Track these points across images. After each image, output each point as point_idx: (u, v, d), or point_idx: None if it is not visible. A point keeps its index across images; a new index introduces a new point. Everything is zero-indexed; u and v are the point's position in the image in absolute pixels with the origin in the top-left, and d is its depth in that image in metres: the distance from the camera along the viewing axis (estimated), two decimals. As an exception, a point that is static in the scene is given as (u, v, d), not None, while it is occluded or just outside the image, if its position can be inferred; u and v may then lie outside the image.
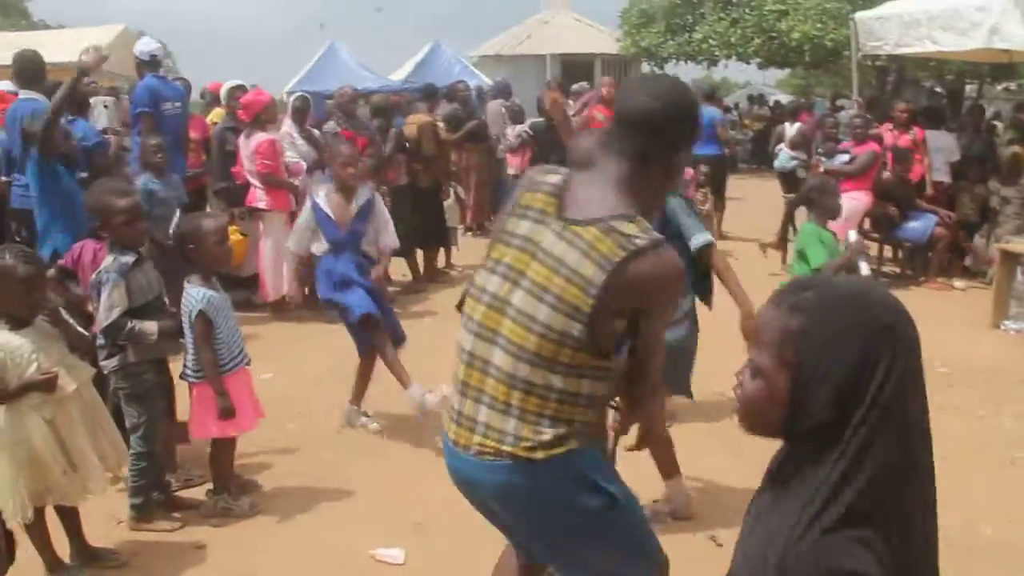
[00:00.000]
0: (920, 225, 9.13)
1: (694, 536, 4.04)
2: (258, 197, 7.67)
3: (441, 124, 10.02)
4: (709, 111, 12.87)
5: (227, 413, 3.98)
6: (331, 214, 5.22)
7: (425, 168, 9.26)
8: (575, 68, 21.78)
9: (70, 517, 3.64)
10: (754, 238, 11.05)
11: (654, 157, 2.25)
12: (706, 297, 4.26)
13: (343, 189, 5.28)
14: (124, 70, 14.84)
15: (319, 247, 5.27)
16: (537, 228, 2.25)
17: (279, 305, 7.96)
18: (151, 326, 3.86)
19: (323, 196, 5.30)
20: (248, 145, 7.61)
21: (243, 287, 8.21)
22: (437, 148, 9.48)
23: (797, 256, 5.36)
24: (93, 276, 3.93)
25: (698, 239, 3.97)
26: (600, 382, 2.26)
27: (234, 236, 7.57)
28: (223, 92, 8.96)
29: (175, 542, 3.92)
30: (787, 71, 31.33)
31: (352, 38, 72.81)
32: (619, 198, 2.21)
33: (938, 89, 20.95)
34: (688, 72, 23.43)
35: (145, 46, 7.45)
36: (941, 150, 9.80)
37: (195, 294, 3.98)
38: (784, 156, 11.60)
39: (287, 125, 8.49)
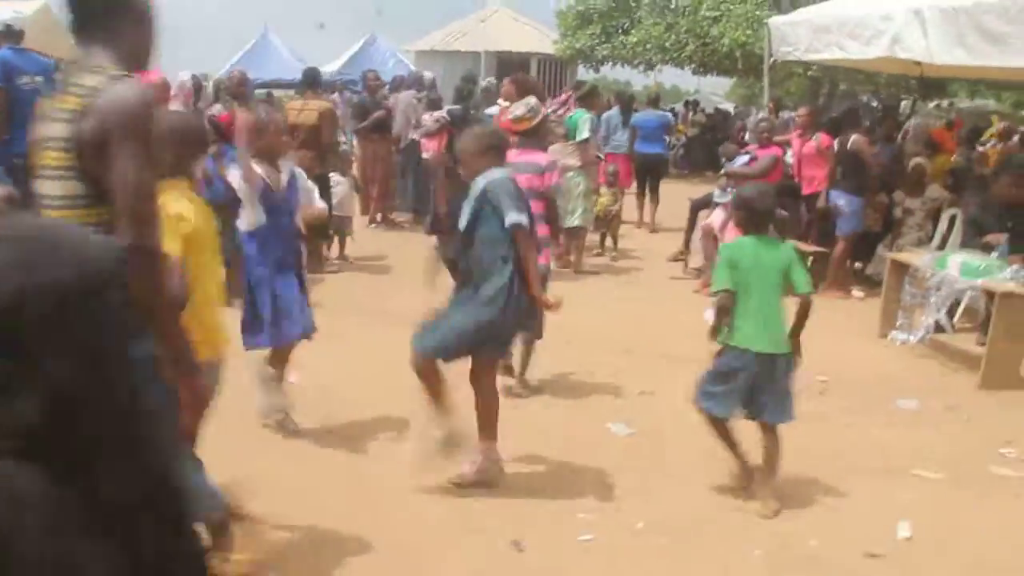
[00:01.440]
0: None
1: (495, 540, 3.85)
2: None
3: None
4: (660, 115, 13.32)
5: None
6: (267, 180, 4.71)
7: (319, 156, 8.99)
8: (510, 67, 21.48)
9: None
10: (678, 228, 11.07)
11: (99, 19, 2.49)
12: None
13: (271, 159, 4.79)
14: (47, 50, 14.32)
15: (247, 222, 4.74)
16: (43, 125, 2.46)
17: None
18: None
19: (254, 165, 4.72)
20: None
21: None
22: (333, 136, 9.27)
23: None
24: None
25: (511, 217, 4.13)
26: None
27: None
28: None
29: None
30: (733, 79, 31.50)
31: (294, 28, 71.73)
32: (97, 59, 2.44)
33: (874, 103, 21.10)
34: (627, 76, 23.37)
35: (-3, 14, 7.05)
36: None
37: None
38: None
39: (177, 105, 8.18)
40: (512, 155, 5.82)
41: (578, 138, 9.20)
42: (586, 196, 9.40)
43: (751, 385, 4.16)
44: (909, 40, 7.99)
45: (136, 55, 2.58)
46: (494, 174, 4.26)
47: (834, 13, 9.44)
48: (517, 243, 4.17)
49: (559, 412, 5.54)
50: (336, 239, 9.57)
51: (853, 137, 8.82)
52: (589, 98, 10.12)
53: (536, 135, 6.11)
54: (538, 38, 22.47)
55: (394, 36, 22.09)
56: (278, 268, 4.72)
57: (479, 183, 4.24)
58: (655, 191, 12.63)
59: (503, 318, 4.18)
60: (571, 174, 9.00)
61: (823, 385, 6.21)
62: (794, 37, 10.07)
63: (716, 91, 39.30)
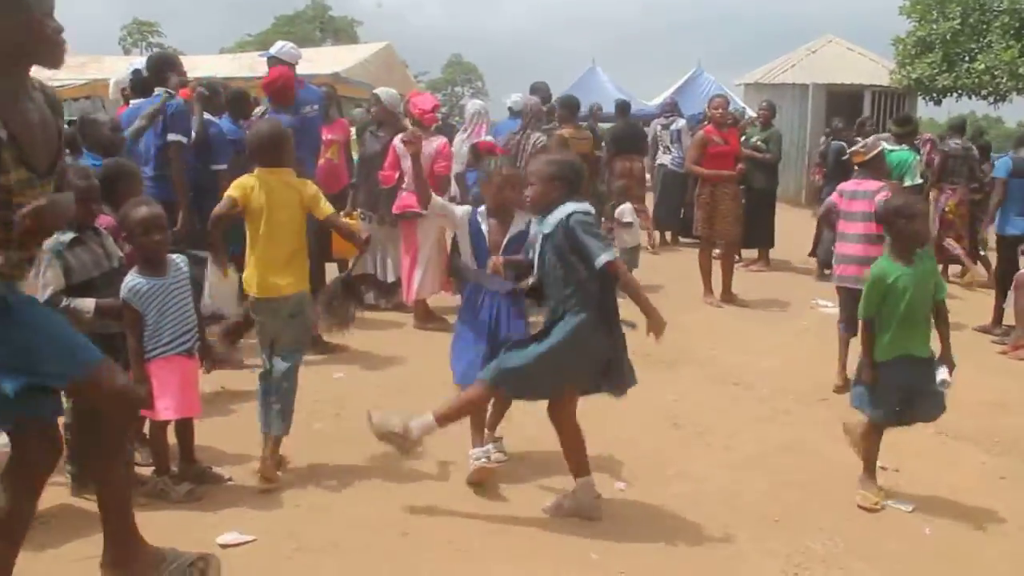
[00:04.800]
0: None
1: None
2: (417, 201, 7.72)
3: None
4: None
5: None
6: (487, 235, 4.71)
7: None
8: (840, 99, 20.36)
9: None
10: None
11: None
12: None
13: (499, 212, 4.72)
14: (380, 83, 15.89)
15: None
16: None
17: (423, 313, 8.03)
18: (87, 304, 4.01)
19: (483, 213, 4.78)
20: (429, 146, 7.50)
21: (385, 291, 8.47)
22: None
23: None
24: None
25: (600, 259, 3.93)
26: None
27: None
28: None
29: (92, 511, 4.02)
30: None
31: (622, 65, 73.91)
32: None
33: None
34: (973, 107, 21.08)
35: (278, 48, 7.66)
36: None
37: (124, 282, 4.10)
38: None
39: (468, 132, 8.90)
40: (850, 185, 6.73)
41: (908, 182, 8.44)
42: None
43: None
44: None
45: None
46: (567, 208, 4.04)
47: None
48: (617, 276, 4.02)
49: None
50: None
51: None
52: (910, 136, 9.61)
53: (870, 167, 6.64)
54: (873, 69, 20.91)
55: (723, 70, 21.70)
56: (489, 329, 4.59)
57: (552, 218, 4.06)
58: None
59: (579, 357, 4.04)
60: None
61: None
62: None
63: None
